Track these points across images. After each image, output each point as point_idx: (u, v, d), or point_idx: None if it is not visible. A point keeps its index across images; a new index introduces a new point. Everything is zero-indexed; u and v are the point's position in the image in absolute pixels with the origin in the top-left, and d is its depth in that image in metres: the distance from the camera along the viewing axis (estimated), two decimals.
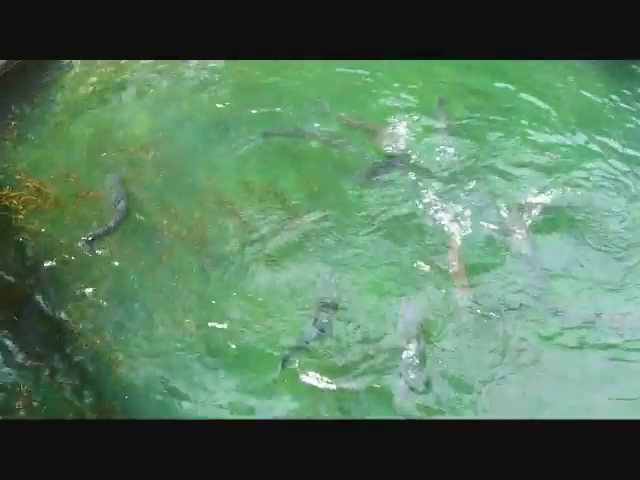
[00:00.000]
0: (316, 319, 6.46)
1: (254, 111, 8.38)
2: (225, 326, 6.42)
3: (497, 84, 9.07)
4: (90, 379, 6.14)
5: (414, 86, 8.91)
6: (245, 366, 6.18)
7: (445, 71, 9.05)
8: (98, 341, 6.35)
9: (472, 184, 7.70)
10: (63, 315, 6.50)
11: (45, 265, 6.81)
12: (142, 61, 8.81)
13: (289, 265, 6.95)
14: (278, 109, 8.43)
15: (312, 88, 8.73)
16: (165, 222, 7.24)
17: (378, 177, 7.74)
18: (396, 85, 8.89)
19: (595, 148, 8.33)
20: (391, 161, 7.87)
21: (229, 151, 7.96)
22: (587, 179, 7.94)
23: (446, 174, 7.79)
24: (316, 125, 8.25)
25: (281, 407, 5.95)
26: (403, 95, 8.76)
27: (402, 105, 8.60)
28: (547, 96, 8.96)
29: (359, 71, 8.94)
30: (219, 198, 7.48)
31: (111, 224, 7.09)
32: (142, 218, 7.29)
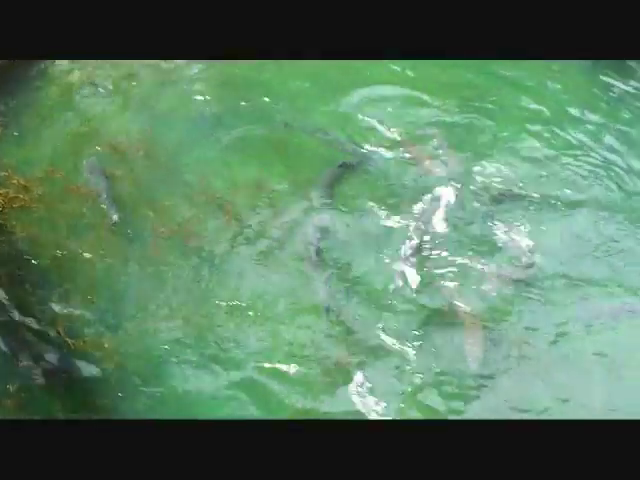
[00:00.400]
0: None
1: (241, 105, 8.31)
2: (210, 332, 6.42)
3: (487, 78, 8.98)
4: (78, 378, 6.12)
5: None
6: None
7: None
8: (86, 339, 6.31)
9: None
10: (51, 314, 6.44)
11: (32, 263, 6.73)
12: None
13: (278, 263, 6.94)
14: (266, 101, 8.38)
15: (300, 81, 8.66)
16: (153, 218, 7.19)
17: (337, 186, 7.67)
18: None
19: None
20: (345, 170, 7.77)
21: (217, 146, 7.89)
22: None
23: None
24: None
25: None
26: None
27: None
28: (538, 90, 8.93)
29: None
30: (208, 193, 7.42)
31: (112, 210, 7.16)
32: (130, 214, 7.23)
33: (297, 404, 5.98)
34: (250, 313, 6.52)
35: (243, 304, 6.58)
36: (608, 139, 8.21)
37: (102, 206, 7.19)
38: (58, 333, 6.31)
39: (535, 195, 7.55)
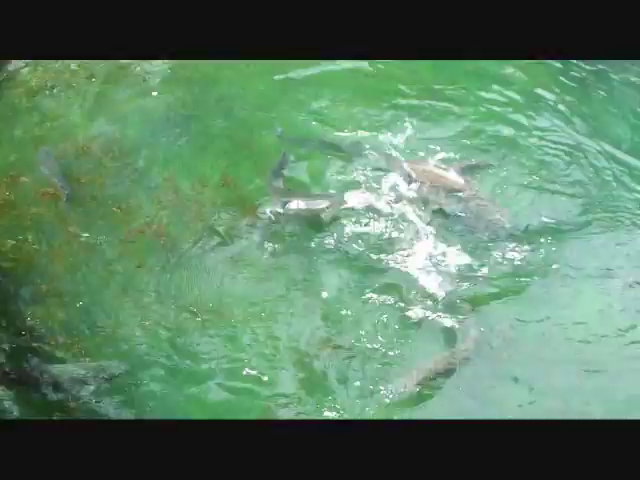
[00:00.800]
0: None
1: (206, 104, 8.23)
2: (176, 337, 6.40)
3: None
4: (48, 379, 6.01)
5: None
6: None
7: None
8: (53, 341, 6.29)
9: None
10: (18, 317, 6.41)
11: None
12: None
13: (244, 263, 6.91)
14: (232, 103, 8.28)
15: (262, 82, 8.54)
16: (122, 219, 7.14)
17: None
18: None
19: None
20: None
21: (184, 145, 7.85)
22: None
23: None
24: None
25: None
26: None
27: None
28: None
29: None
30: (175, 194, 7.38)
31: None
32: (99, 216, 7.18)
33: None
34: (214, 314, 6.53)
35: (210, 306, 6.59)
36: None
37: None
38: (27, 338, 6.25)
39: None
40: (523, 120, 8.15)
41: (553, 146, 7.89)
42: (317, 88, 8.43)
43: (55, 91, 8.31)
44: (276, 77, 8.52)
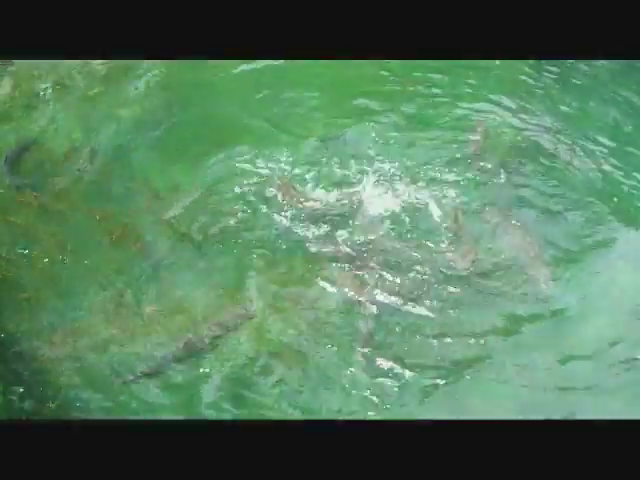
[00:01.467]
0: None
1: (183, 110, 8.16)
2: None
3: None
4: (25, 381, 6.03)
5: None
6: None
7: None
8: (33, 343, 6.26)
9: None
10: None
11: None
12: (64, 63, 8.49)
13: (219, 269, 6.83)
14: (209, 107, 8.22)
15: (238, 85, 8.48)
16: (99, 225, 7.09)
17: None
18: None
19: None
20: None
21: (159, 150, 7.78)
22: None
23: None
24: None
25: None
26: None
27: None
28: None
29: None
30: (150, 199, 7.32)
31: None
32: (76, 221, 7.14)
33: None
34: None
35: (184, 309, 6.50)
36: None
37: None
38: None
39: None
40: None
41: None
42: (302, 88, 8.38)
43: (28, 100, 8.25)
44: (253, 77, 8.46)
